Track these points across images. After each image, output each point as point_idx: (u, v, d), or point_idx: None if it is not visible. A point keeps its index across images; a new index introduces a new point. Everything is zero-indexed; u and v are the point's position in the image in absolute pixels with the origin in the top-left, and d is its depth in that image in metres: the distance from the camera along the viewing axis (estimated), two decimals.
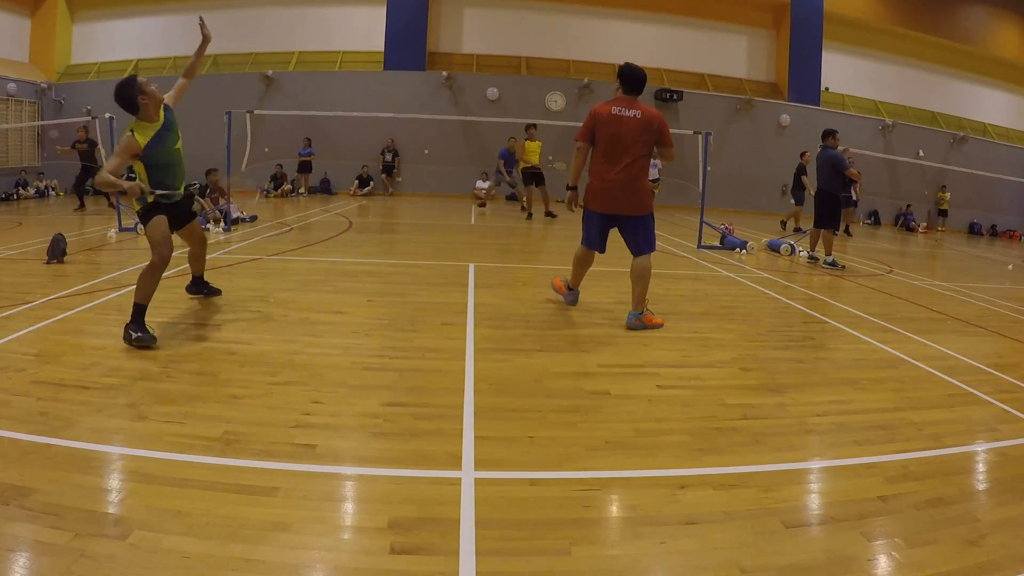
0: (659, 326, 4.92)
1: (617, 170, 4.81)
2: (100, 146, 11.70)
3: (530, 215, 13.60)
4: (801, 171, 14.03)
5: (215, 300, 5.15)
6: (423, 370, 3.72)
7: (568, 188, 5.12)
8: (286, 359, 3.76)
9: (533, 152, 13.22)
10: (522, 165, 13.47)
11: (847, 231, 14.26)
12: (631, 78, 4.87)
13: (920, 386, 3.92)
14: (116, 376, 3.35)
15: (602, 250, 5.16)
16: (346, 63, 19.67)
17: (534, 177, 13.39)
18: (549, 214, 13.50)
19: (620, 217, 4.94)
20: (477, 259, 7.66)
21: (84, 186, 13.12)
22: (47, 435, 2.64)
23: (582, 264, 5.32)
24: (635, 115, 4.79)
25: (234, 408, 3.03)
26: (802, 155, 14.12)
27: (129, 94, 4.08)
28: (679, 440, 2.94)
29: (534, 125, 13.46)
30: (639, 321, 4.88)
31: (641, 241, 4.95)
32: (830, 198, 9.00)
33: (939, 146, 20.78)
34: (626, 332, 4.76)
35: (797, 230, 13.36)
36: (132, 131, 4.14)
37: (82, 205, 12.79)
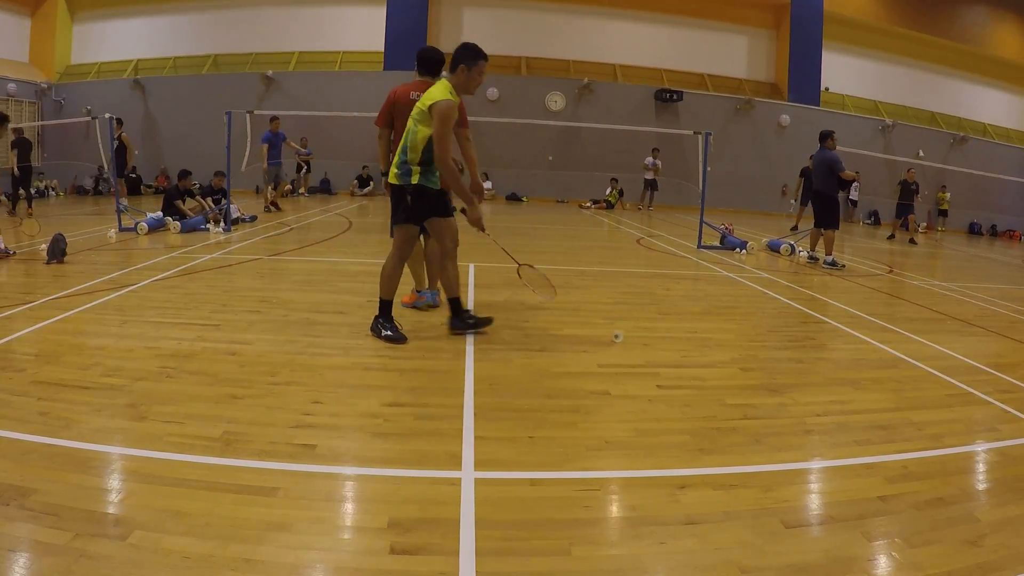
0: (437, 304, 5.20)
1: None
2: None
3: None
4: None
5: (215, 300, 5.13)
6: (423, 370, 3.72)
7: (383, 174, 4.92)
8: (286, 359, 3.76)
9: None
10: None
11: (911, 240, 15.03)
12: (425, 60, 4.79)
13: (920, 386, 3.92)
14: (116, 376, 3.35)
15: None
16: (346, 63, 19.68)
17: None
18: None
19: None
20: (477, 259, 7.65)
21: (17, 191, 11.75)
22: (47, 435, 2.64)
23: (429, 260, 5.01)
24: None
25: (234, 408, 3.02)
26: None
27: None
28: (679, 440, 2.94)
29: None
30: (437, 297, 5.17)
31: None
32: (827, 199, 9.03)
33: (939, 146, 20.79)
34: (626, 332, 4.74)
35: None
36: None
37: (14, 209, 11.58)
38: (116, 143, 12.69)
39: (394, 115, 4.76)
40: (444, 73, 4.33)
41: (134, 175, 17.60)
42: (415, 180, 4.16)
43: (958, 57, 21.74)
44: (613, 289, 6.39)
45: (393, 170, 4.26)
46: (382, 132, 4.86)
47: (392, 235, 4.49)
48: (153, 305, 4.92)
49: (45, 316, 4.43)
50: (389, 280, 4.29)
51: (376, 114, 4.87)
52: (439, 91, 4.09)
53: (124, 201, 12.00)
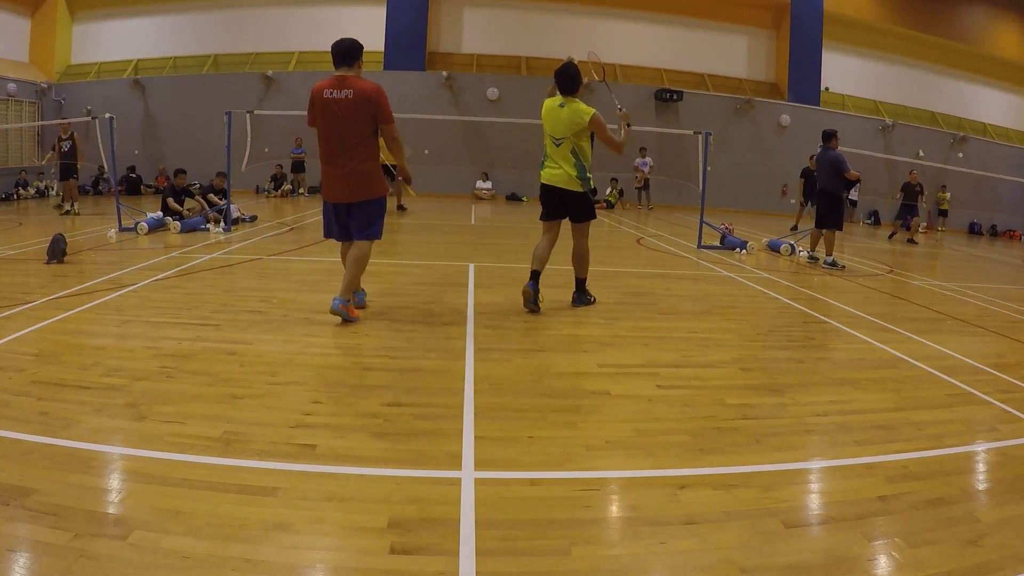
0: (355, 319, 4.65)
1: (341, 158, 4.53)
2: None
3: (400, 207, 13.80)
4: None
5: (215, 300, 5.13)
6: (423, 370, 3.72)
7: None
8: (286, 359, 3.76)
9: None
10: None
11: (912, 240, 14.99)
12: (335, 51, 4.49)
13: (920, 386, 3.92)
14: (116, 376, 3.35)
15: (350, 236, 4.81)
16: None
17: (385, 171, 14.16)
18: (400, 207, 13.72)
19: (351, 203, 4.68)
20: (477, 259, 7.66)
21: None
22: (47, 435, 2.64)
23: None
24: (347, 95, 4.42)
25: (234, 408, 3.03)
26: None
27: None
28: (679, 440, 2.94)
29: None
30: (344, 308, 4.55)
31: (365, 226, 4.69)
32: (832, 199, 9.02)
33: (939, 146, 20.77)
34: (626, 332, 4.76)
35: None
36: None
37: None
38: (68, 144, 12.59)
39: (315, 114, 4.56)
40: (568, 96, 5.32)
41: (134, 175, 17.60)
42: (593, 186, 5.40)
43: (958, 57, 21.73)
44: (613, 289, 6.39)
45: (576, 180, 5.29)
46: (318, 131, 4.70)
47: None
48: (153, 305, 4.92)
49: (45, 316, 4.43)
50: (585, 261, 5.61)
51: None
52: (585, 107, 5.20)
53: (67, 206, 11.89)
